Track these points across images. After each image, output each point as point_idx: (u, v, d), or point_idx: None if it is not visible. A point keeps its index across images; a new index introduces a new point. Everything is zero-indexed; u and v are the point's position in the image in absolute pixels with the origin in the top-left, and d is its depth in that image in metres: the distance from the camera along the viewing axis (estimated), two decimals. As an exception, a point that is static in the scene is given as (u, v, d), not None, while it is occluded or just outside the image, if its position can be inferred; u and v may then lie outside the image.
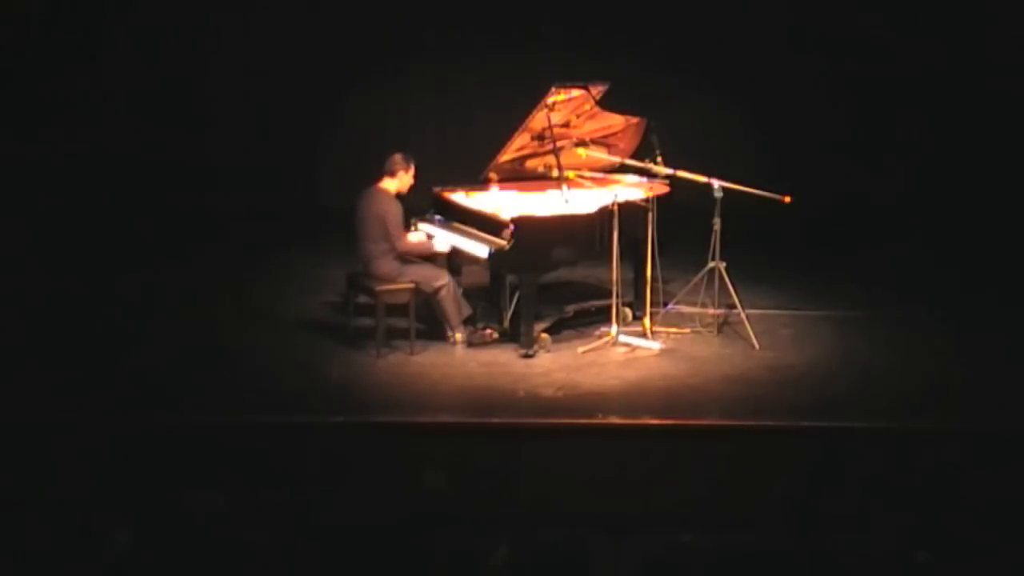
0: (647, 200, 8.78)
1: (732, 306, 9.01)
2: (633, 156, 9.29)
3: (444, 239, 8.77)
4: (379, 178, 8.68)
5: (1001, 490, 6.66)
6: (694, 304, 9.11)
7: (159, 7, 11.84)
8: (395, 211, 8.60)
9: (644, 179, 9.29)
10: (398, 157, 8.68)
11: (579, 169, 9.05)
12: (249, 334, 8.97)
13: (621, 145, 9.37)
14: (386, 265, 8.60)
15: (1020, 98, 11.64)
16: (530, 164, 9.30)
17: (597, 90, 9.00)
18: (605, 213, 8.60)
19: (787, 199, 8.76)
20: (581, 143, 9.18)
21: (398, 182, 8.67)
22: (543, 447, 7.44)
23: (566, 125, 9.08)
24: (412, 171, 8.71)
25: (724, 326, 9.06)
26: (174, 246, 10.82)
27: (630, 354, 8.62)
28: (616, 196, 8.69)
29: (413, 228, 8.84)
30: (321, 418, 7.61)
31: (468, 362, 8.53)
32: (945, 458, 7.10)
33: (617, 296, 8.70)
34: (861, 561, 5.71)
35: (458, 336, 8.74)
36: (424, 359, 8.54)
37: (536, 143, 9.12)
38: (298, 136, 12.25)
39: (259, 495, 6.27)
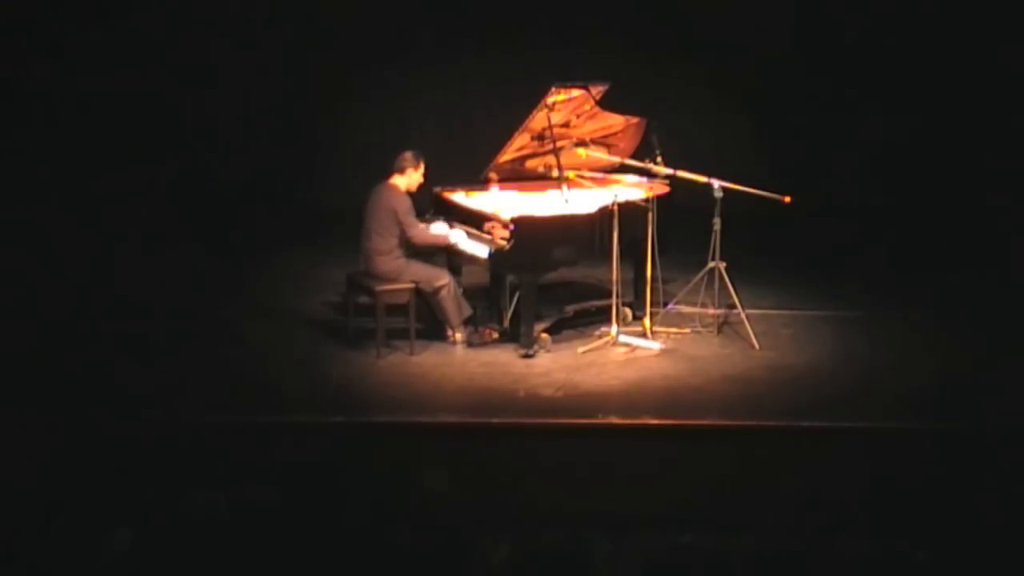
0: (647, 200, 8.78)
1: (732, 306, 9.01)
2: (633, 156, 9.29)
3: (458, 235, 8.74)
4: (388, 175, 8.69)
5: (1001, 490, 6.67)
6: (694, 304, 9.11)
7: (159, 6, 11.83)
8: (405, 203, 8.61)
9: (644, 179, 9.29)
10: (408, 154, 8.70)
11: (579, 169, 9.05)
12: (249, 334, 8.97)
13: (621, 145, 9.37)
14: (388, 263, 8.60)
15: (1020, 97, 11.63)
16: (530, 164, 9.30)
17: (597, 90, 9.01)
18: (605, 213, 8.60)
19: (787, 199, 8.76)
20: (581, 143, 9.18)
21: (407, 179, 8.68)
22: (543, 447, 7.44)
23: (566, 125, 9.08)
24: (421, 169, 8.72)
25: (724, 326, 9.05)
26: (174, 246, 10.81)
27: (630, 354, 8.62)
28: (616, 196, 8.69)
29: (428, 222, 8.83)
30: (321, 418, 7.61)
31: (468, 362, 8.53)
32: (945, 458, 7.11)
33: (617, 296, 8.70)
34: (861, 561, 5.71)
35: (458, 336, 8.75)
36: (424, 359, 8.54)
37: (536, 143, 9.12)
38: (298, 136, 12.25)
39: (259, 495, 6.28)
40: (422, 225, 8.72)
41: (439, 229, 8.77)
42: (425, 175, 8.74)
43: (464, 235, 8.71)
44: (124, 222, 10.98)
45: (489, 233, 8.59)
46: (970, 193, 11.60)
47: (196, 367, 8.30)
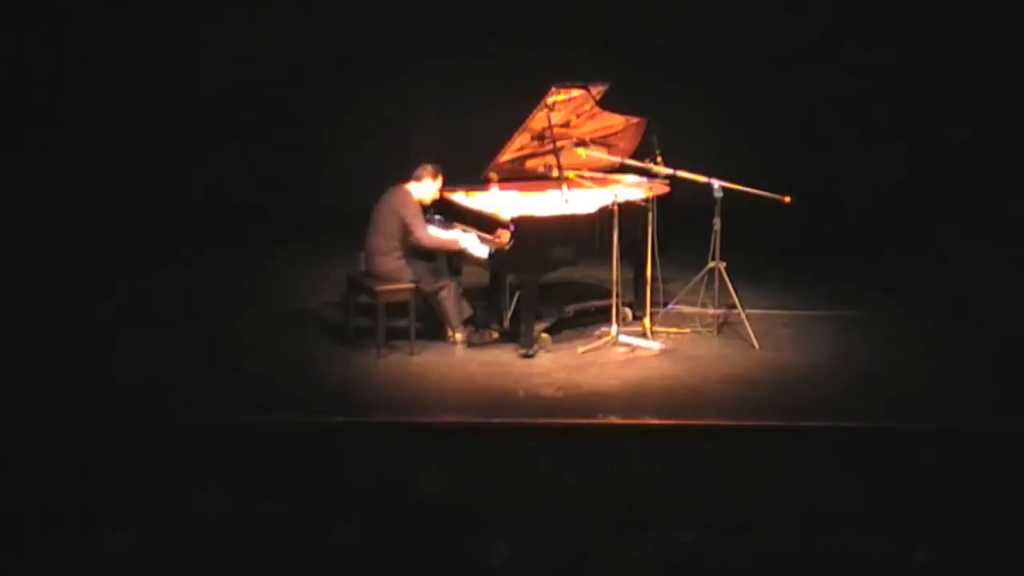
0: (647, 200, 8.78)
1: (732, 306, 9.01)
2: (633, 156, 9.30)
3: (468, 239, 8.72)
4: (404, 180, 8.71)
5: (999, 490, 6.67)
6: (694, 304, 9.12)
7: (159, 5, 11.83)
8: (412, 207, 8.62)
9: (644, 179, 9.30)
10: (429, 166, 8.74)
11: (579, 169, 9.05)
12: (249, 334, 8.97)
13: (621, 145, 9.37)
14: (388, 263, 8.60)
15: (1018, 96, 11.63)
16: (530, 164, 9.30)
17: (597, 90, 9.01)
18: (605, 213, 8.60)
19: (787, 199, 8.76)
20: (581, 143, 9.18)
21: (421, 187, 8.69)
22: (543, 447, 7.44)
23: (566, 125, 9.08)
24: (439, 182, 8.75)
25: (724, 326, 9.06)
26: (174, 246, 10.81)
27: (630, 354, 8.62)
28: (616, 196, 8.69)
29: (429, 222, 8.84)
30: (321, 418, 7.61)
31: (468, 362, 8.53)
32: (945, 458, 7.11)
33: (617, 296, 8.70)
34: (861, 561, 5.71)
35: (458, 336, 8.75)
36: (424, 359, 8.54)
37: (536, 143, 9.12)
38: (298, 136, 12.25)
39: (259, 495, 6.28)
40: (431, 228, 8.71)
41: (448, 234, 8.76)
42: (441, 191, 8.77)
43: (475, 239, 8.68)
44: (123, 222, 10.98)
45: (498, 238, 8.56)
46: (970, 193, 11.60)
47: (196, 367, 8.29)
